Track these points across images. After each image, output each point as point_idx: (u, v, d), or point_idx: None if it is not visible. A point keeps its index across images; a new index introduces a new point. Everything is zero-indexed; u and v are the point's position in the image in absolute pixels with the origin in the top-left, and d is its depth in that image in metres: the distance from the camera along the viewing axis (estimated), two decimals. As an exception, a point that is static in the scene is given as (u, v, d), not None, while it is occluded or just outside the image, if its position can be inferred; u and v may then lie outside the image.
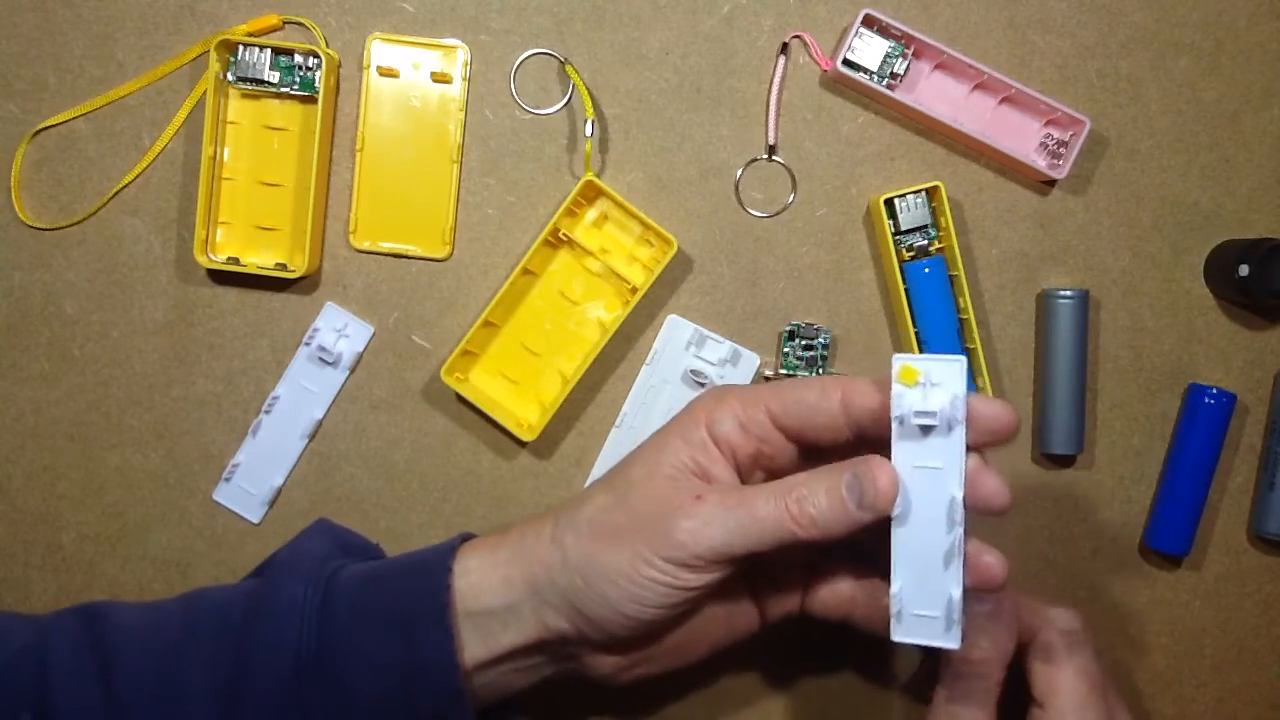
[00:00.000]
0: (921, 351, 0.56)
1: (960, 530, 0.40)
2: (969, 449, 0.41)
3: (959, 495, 0.40)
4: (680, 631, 0.46)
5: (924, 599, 0.40)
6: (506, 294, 0.56)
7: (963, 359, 0.40)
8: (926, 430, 0.40)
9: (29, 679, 0.44)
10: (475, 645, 0.45)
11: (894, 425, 0.41)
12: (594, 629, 0.44)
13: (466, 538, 0.48)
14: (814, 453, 0.46)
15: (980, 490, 0.41)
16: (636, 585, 0.42)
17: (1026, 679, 0.45)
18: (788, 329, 0.57)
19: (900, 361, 0.40)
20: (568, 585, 0.43)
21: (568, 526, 0.45)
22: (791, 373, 0.57)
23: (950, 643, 0.40)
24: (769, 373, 0.58)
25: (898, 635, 0.41)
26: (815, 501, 0.41)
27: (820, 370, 0.57)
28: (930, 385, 0.40)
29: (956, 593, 0.40)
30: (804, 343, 0.57)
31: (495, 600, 0.45)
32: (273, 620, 0.44)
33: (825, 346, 0.57)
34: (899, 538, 0.41)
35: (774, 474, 0.45)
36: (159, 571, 0.58)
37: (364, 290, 0.58)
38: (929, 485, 0.41)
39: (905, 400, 0.40)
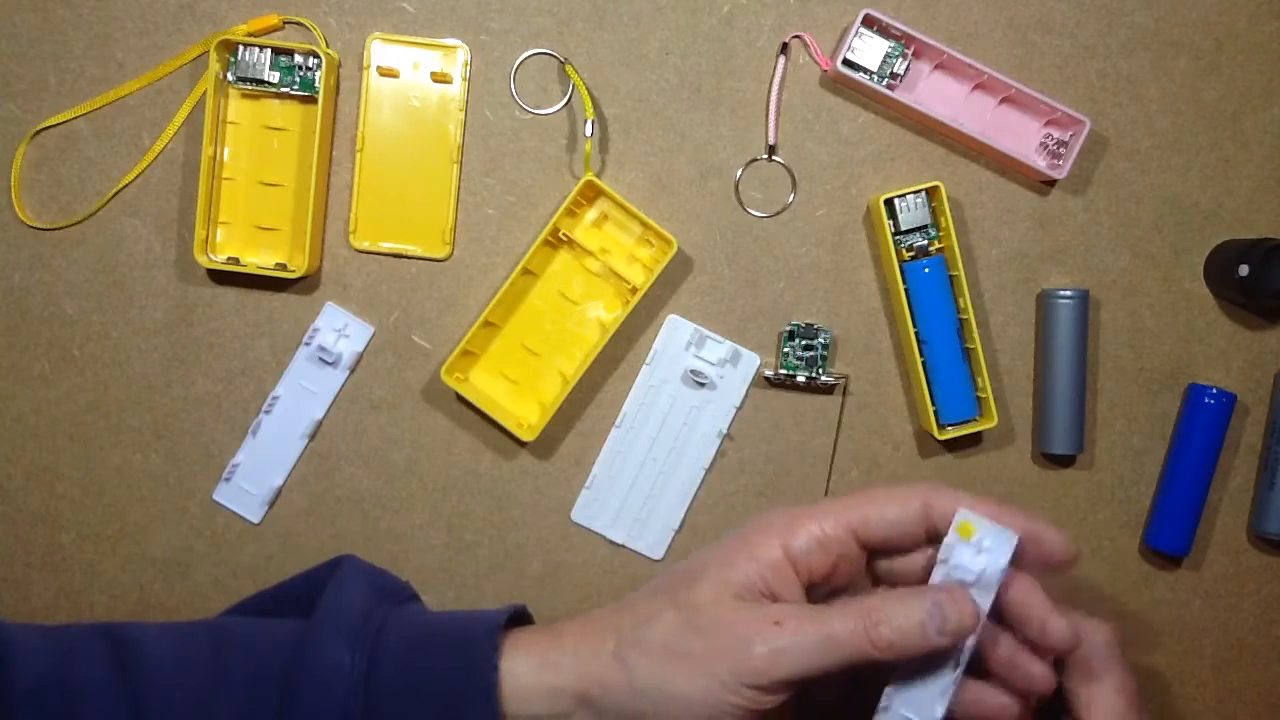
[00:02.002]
0: (921, 351, 0.56)
1: (961, 671, 0.43)
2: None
3: (972, 644, 0.44)
4: None
5: (914, 707, 0.45)
6: (506, 294, 0.56)
7: (1017, 537, 0.43)
8: (964, 585, 0.44)
9: (58, 703, 0.44)
10: None
11: (939, 566, 0.44)
12: None
13: (515, 612, 0.48)
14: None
15: (1045, 637, 0.44)
16: (713, 710, 0.42)
17: (1063, 694, 0.45)
18: (788, 329, 0.57)
19: (962, 517, 0.44)
20: (632, 707, 0.43)
21: (633, 646, 0.44)
22: (791, 373, 0.57)
23: None
24: (769, 373, 0.58)
25: None
26: (896, 626, 0.42)
27: (820, 370, 0.57)
28: (981, 548, 0.44)
29: (940, 714, 0.44)
30: (804, 343, 0.57)
31: (540, 708, 0.44)
32: (318, 682, 0.44)
33: (825, 346, 0.57)
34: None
35: (839, 591, 0.46)
36: (159, 571, 0.58)
37: (364, 290, 0.58)
38: None
39: (955, 552, 0.44)
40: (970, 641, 0.43)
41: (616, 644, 0.44)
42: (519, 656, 0.45)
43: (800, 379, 0.57)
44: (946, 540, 0.44)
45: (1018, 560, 0.44)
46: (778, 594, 0.44)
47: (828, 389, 0.58)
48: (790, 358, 0.58)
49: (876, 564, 0.47)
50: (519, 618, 0.49)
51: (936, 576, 0.44)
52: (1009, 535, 0.43)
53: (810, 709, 0.48)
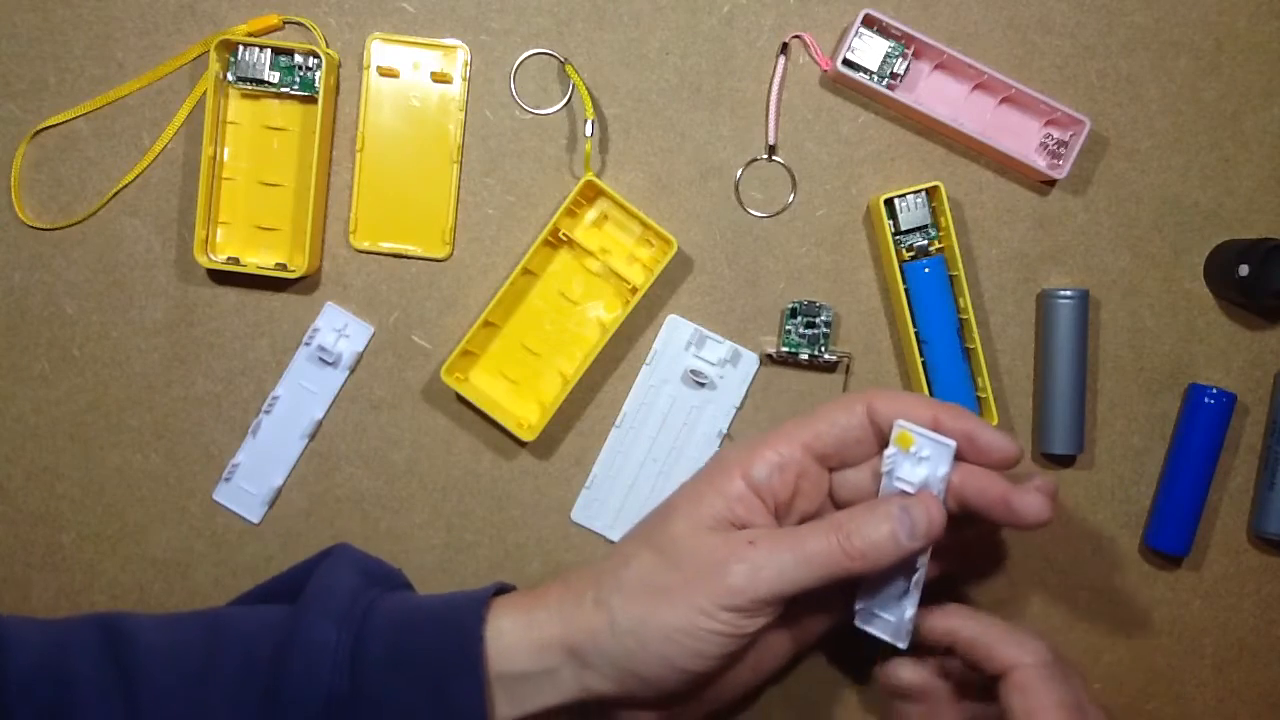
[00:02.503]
0: (921, 351, 0.56)
1: (923, 571, 0.45)
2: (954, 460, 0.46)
3: (923, 557, 0.46)
4: (720, 677, 0.47)
5: (885, 606, 0.47)
6: (506, 294, 0.56)
7: (953, 445, 0.45)
8: (906, 495, 0.45)
9: (50, 693, 0.44)
10: (504, 705, 0.45)
11: (884, 478, 0.46)
12: (646, 687, 0.44)
13: (501, 589, 0.48)
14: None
15: (1018, 512, 0.45)
16: (697, 639, 0.43)
17: (1004, 714, 0.45)
18: (789, 307, 0.57)
19: (900, 428, 0.45)
20: (618, 649, 0.44)
21: (613, 590, 0.45)
22: (794, 351, 0.57)
23: (900, 643, 0.47)
24: (771, 350, 0.57)
25: (859, 623, 0.48)
26: (866, 535, 0.44)
27: (823, 348, 0.57)
28: (920, 458, 0.45)
29: (910, 614, 0.46)
30: (806, 320, 0.57)
31: (529, 664, 0.45)
32: (304, 660, 0.44)
33: (828, 324, 0.57)
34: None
35: (808, 517, 0.48)
36: (159, 571, 0.58)
37: (364, 290, 0.58)
38: None
39: (895, 462, 0.46)
40: (922, 556, 0.45)
41: (596, 591, 0.45)
42: (504, 618, 0.46)
43: (803, 356, 0.57)
44: (887, 452, 0.46)
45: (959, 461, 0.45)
46: (747, 523, 0.46)
47: (830, 367, 0.58)
48: (792, 335, 0.57)
49: (836, 484, 0.48)
50: (505, 593, 0.49)
51: (882, 488, 0.46)
52: (946, 444, 0.45)
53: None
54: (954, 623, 0.46)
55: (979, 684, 0.47)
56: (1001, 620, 0.46)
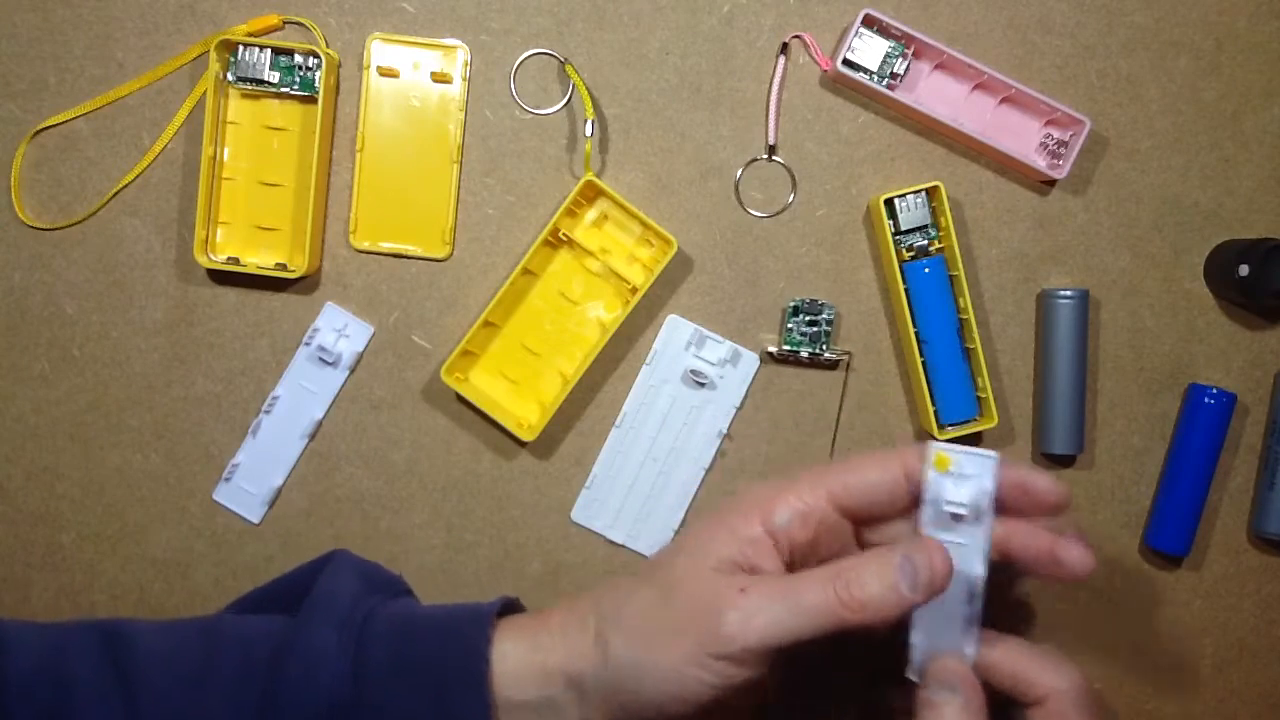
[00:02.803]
0: (921, 351, 0.56)
1: (980, 604, 0.43)
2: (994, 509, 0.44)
3: (982, 573, 0.43)
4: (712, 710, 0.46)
5: (940, 647, 0.44)
6: (506, 294, 0.56)
7: (996, 456, 0.43)
8: (957, 518, 0.43)
9: (49, 695, 0.44)
10: None
11: (925, 508, 0.43)
12: None
13: (506, 604, 0.48)
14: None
15: (1065, 565, 0.44)
16: (684, 686, 0.42)
17: None
18: (791, 304, 0.57)
19: (935, 449, 0.43)
20: (611, 683, 0.43)
21: (612, 624, 0.44)
22: (795, 349, 0.57)
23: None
24: (772, 349, 0.57)
25: (912, 674, 0.44)
26: (865, 585, 0.41)
27: (824, 346, 0.57)
28: (962, 476, 0.43)
29: (970, 652, 0.43)
30: (807, 318, 0.57)
31: (531, 692, 0.44)
32: (305, 664, 0.44)
33: (829, 323, 0.57)
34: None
35: (825, 560, 0.45)
36: (159, 571, 0.58)
37: (364, 290, 0.58)
38: (955, 558, 0.43)
39: (937, 486, 0.43)
40: (978, 571, 0.43)
41: (597, 623, 0.44)
42: (508, 640, 0.45)
43: (804, 354, 0.57)
44: (927, 478, 0.43)
45: (1002, 506, 0.43)
46: (757, 568, 0.44)
47: (831, 365, 0.58)
48: (794, 334, 0.57)
49: (865, 537, 0.46)
50: (511, 608, 0.49)
51: (926, 517, 0.43)
52: (987, 456, 0.43)
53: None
54: (995, 655, 0.44)
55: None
56: (1030, 645, 0.45)
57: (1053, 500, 0.44)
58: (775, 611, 0.41)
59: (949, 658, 0.44)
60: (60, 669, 0.45)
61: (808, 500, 0.44)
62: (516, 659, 0.44)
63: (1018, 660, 0.44)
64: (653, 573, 0.45)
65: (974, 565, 0.43)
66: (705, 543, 0.44)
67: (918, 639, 0.44)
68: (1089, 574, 0.44)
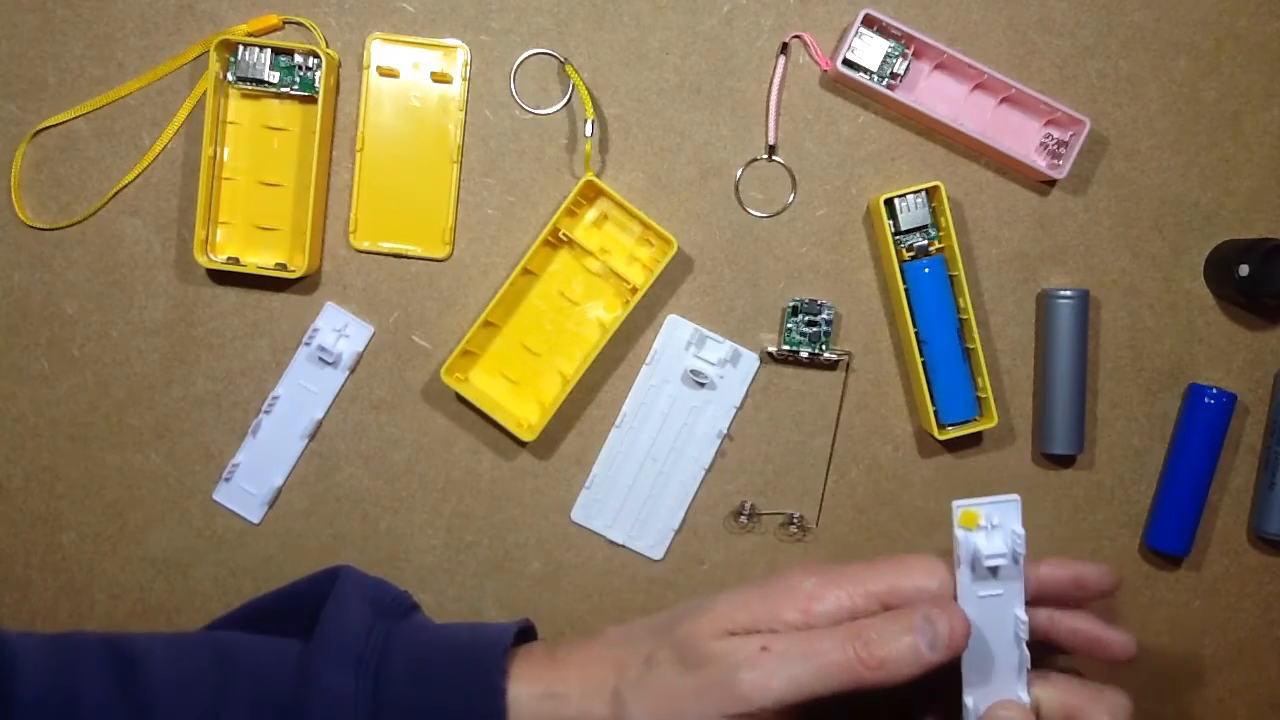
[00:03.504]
0: (921, 351, 0.56)
1: (1025, 645, 0.43)
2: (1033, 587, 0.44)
3: (1022, 614, 0.43)
4: None
5: (993, 694, 0.44)
6: (506, 294, 0.56)
7: (1017, 499, 0.43)
8: (994, 570, 0.43)
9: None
10: None
11: (962, 568, 0.43)
12: None
13: (521, 629, 0.47)
14: None
15: (1109, 649, 0.44)
16: None
17: None
18: (790, 304, 0.57)
19: (960, 508, 0.43)
20: None
21: (631, 687, 0.44)
22: (794, 349, 0.57)
23: None
24: (772, 349, 0.57)
25: None
26: (885, 645, 0.41)
27: (823, 346, 0.57)
28: (991, 528, 0.43)
29: (1025, 697, 0.43)
30: (807, 318, 0.57)
31: None
32: (323, 712, 0.44)
33: (829, 323, 0.57)
34: (969, 658, 0.43)
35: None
36: (159, 571, 0.58)
37: (364, 290, 0.58)
38: (993, 609, 0.43)
39: (969, 543, 0.43)
40: (1020, 613, 0.43)
41: (617, 683, 0.44)
42: (523, 686, 0.45)
43: (804, 354, 0.57)
44: (957, 537, 0.43)
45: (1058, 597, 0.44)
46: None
47: (831, 365, 0.58)
48: (794, 333, 0.57)
49: None
50: (522, 633, 0.49)
51: (963, 579, 0.43)
52: (1008, 500, 0.43)
53: None
54: (1046, 694, 0.44)
55: None
56: (1079, 679, 0.45)
57: (1105, 587, 0.44)
58: (794, 671, 0.41)
59: (1002, 704, 0.43)
60: (70, 692, 0.44)
61: (856, 600, 0.44)
62: (531, 706, 0.44)
63: (1069, 697, 0.44)
64: (672, 631, 0.44)
65: (1016, 609, 0.43)
66: (738, 609, 0.44)
67: (971, 702, 0.44)
68: (1131, 658, 0.44)
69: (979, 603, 0.43)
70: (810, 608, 0.43)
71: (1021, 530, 0.43)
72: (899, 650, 0.41)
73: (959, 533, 0.43)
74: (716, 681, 0.42)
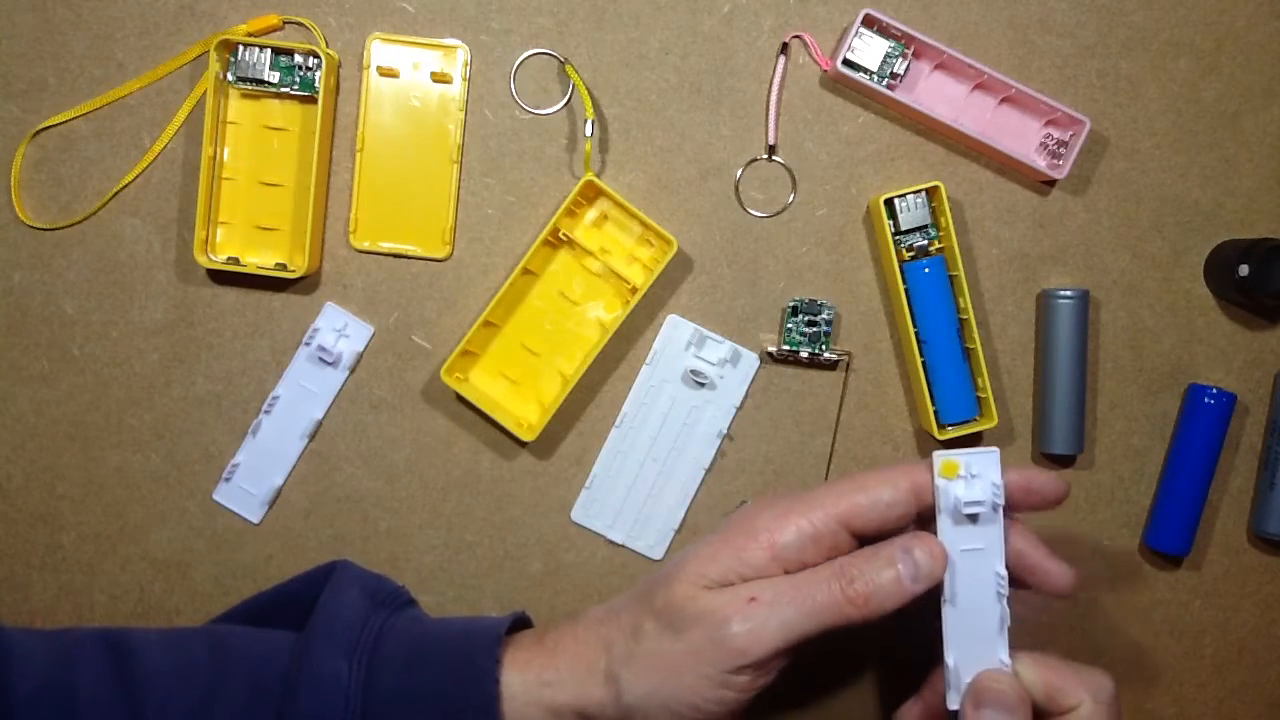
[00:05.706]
0: (921, 351, 0.56)
1: (1006, 600, 0.44)
2: (1010, 521, 0.45)
3: (1002, 570, 0.44)
4: None
5: (978, 667, 0.45)
6: (506, 294, 0.56)
7: (997, 450, 0.44)
8: (974, 518, 0.44)
9: (57, 715, 0.44)
10: None
11: (942, 517, 0.44)
12: None
13: (515, 620, 0.48)
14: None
15: (1047, 578, 0.45)
16: (704, 708, 0.42)
17: None
18: (790, 304, 0.57)
19: (940, 458, 0.44)
20: (624, 718, 0.43)
21: (623, 663, 0.44)
22: (795, 349, 0.57)
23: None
24: (772, 349, 0.57)
25: (954, 704, 0.44)
26: (868, 580, 0.42)
27: (823, 346, 0.57)
28: (971, 477, 0.44)
29: (1006, 659, 0.44)
30: (807, 318, 0.57)
31: None
32: (315, 697, 0.44)
33: (829, 322, 0.57)
34: (950, 616, 0.44)
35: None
36: (159, 571, 0.58)
37: (364, 290, 0.58)
38: (974, 565, 0.44)
39: (950, 492, 0.44)
40: (1000, 569, 0.44)
41: (607, 661, 0.44)
42: (515, 674, 0.45)
43: (804, 354, 0.57)
44: (937, 486, 0.44)
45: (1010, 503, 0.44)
46: (755, 579, 0.44)
47: (831, 365, 0.58)
48: (794, 333, 0.57)
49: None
50: (517, 624, 0.49)
51: (944, 525, 0.44)
52: (989, 453, 0.44)
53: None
54: (1027, 669, 0.44)
55: None
56: (1059, 658, 0.45)
57: (1055, 494, 0.45)
58: (784, 616, 0.42)
59: (991, 676, 0.44)
60: (67, 685, 0.44)
61: (817, 524, 0.44)
62: (525, 694, 0.45)
63: (1052, 675, 0.44)
64: (651, 600, 0.45)
65: (996, 563, 0.44)
66: (706, 563, 0.44)
67: (953, 660, 0.44)
68: (1068, 594, 0.45)
69: (960, 558, 0.44)
70: (775, 540, 0.44)
71: (1000, 481, 0.44)
72: (882, 584, 0.42)
73: (939, 481, 0.44)
74: (708, 639, 0.42)
